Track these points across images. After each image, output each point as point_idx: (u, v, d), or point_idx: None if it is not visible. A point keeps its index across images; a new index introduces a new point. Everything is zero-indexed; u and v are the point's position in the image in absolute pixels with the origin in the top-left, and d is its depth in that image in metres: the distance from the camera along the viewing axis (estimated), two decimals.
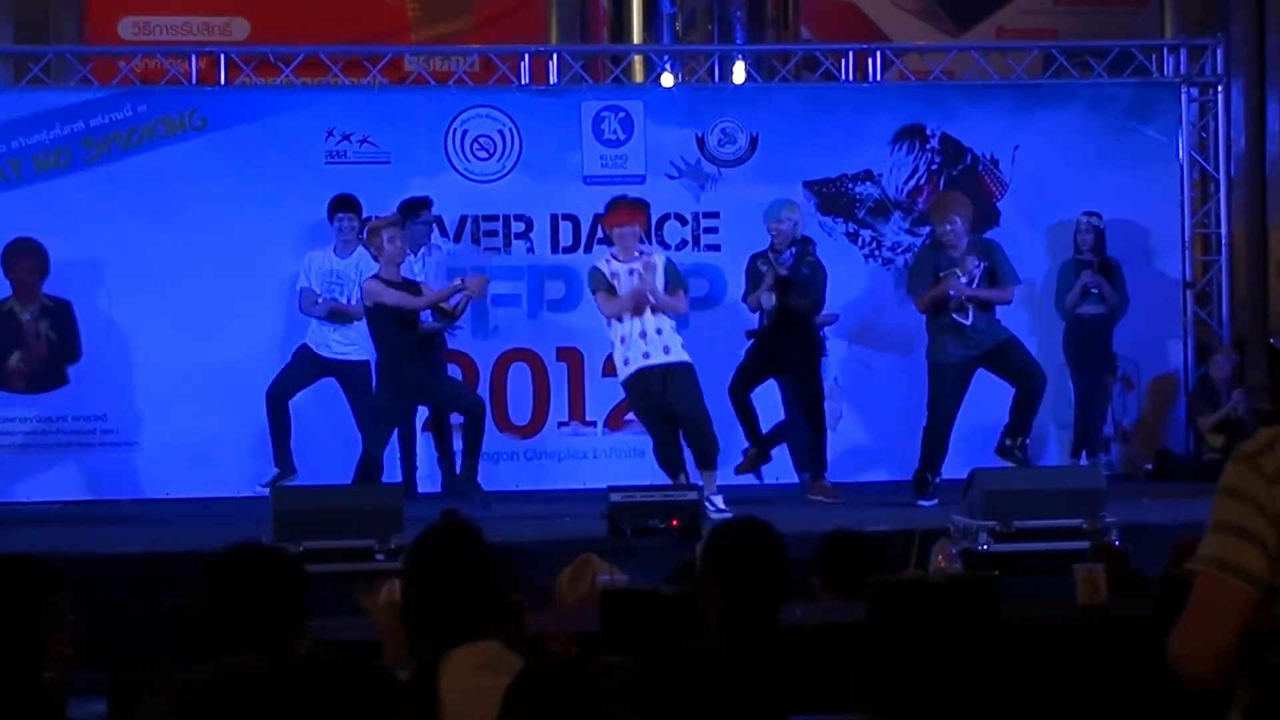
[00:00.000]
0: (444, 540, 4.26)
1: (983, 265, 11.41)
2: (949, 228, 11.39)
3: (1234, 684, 3.02)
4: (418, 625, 4.17)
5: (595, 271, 11.19)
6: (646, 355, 10.89)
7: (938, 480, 11.38)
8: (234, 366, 12.38)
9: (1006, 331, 11.49)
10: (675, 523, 9.67)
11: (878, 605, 5.95)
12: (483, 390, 12.20)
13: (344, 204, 11.96)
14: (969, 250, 11.40)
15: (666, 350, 10.91)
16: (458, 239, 12.70)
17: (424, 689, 3.96)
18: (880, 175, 13.10)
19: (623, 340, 10.98)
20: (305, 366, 11.91)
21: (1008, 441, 11.42)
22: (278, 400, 11.85)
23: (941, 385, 11.45)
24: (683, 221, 12.91)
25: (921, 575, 6.57)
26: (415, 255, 11.91)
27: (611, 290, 11.01)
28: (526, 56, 13.28)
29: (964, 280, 11.31)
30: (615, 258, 11.11)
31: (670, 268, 11.17)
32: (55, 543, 9.92)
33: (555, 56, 13.47)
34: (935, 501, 11.24)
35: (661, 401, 10.93)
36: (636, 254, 11.06)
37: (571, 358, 12.77)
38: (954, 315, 11.37)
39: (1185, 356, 13.41)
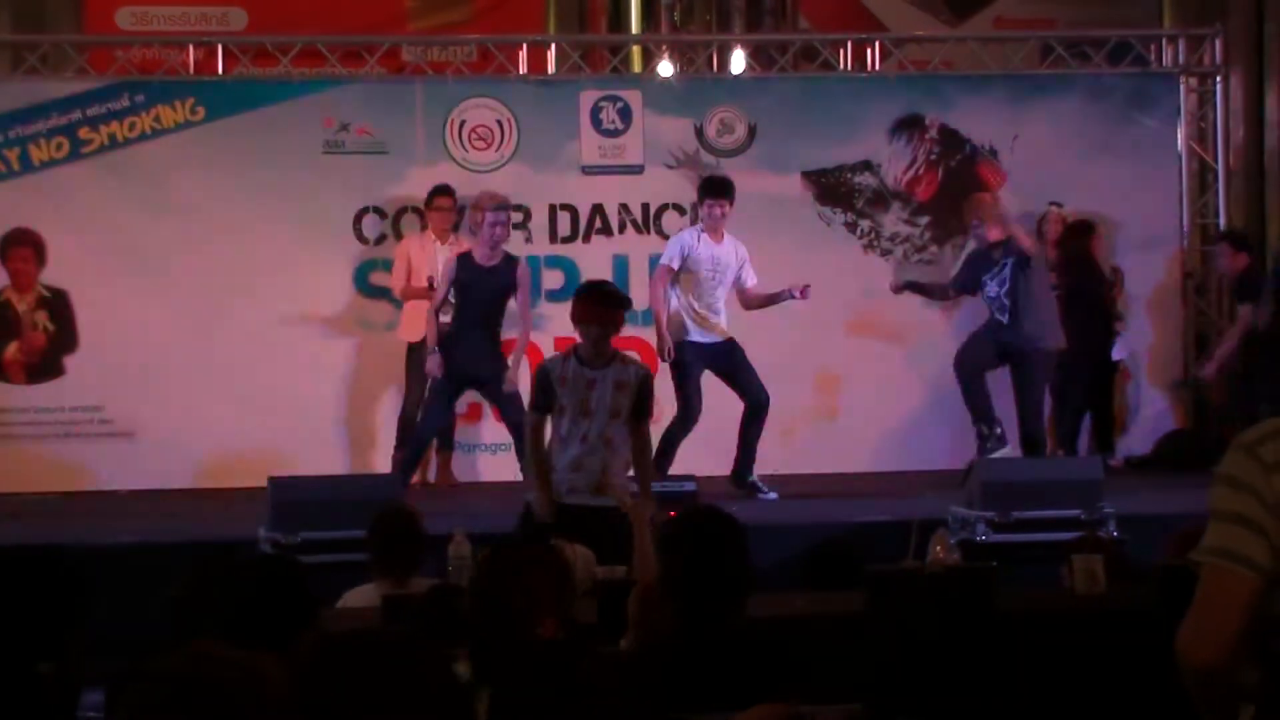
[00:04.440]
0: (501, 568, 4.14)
1: (1009, 263, 11.49)
2: (975, 232, 11.63)
3: (1240, 677, 3.02)
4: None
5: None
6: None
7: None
8: (232, 356, 12.39)
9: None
10: (672, 514, 9.65)
11: (875, 595, 5.94)
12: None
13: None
14: (1004, 252, 11.59)
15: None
16: (455, 229, 12.68)
17: None
18: (879, 165, 13.09)
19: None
20: None
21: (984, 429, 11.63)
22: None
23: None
24: (681, 211, 12.89)
25: (919, 565, 6.57)
26: (443, 244, 12.03)
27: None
28: (524, 46, 13.27)
29: (994, 283, 11.57)
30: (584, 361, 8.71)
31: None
32: (52, 534, 9.92)
33: (553, 46, 13.48)
34: (1007, 446, 11.55)
35: None
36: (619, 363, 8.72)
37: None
38: (996, 315, 11.63)
39: (1185, 346, 13.40)
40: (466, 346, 11.14)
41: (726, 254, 11.40)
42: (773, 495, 11.26)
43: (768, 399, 11.33)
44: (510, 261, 11.20)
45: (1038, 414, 11.74)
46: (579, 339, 8.68)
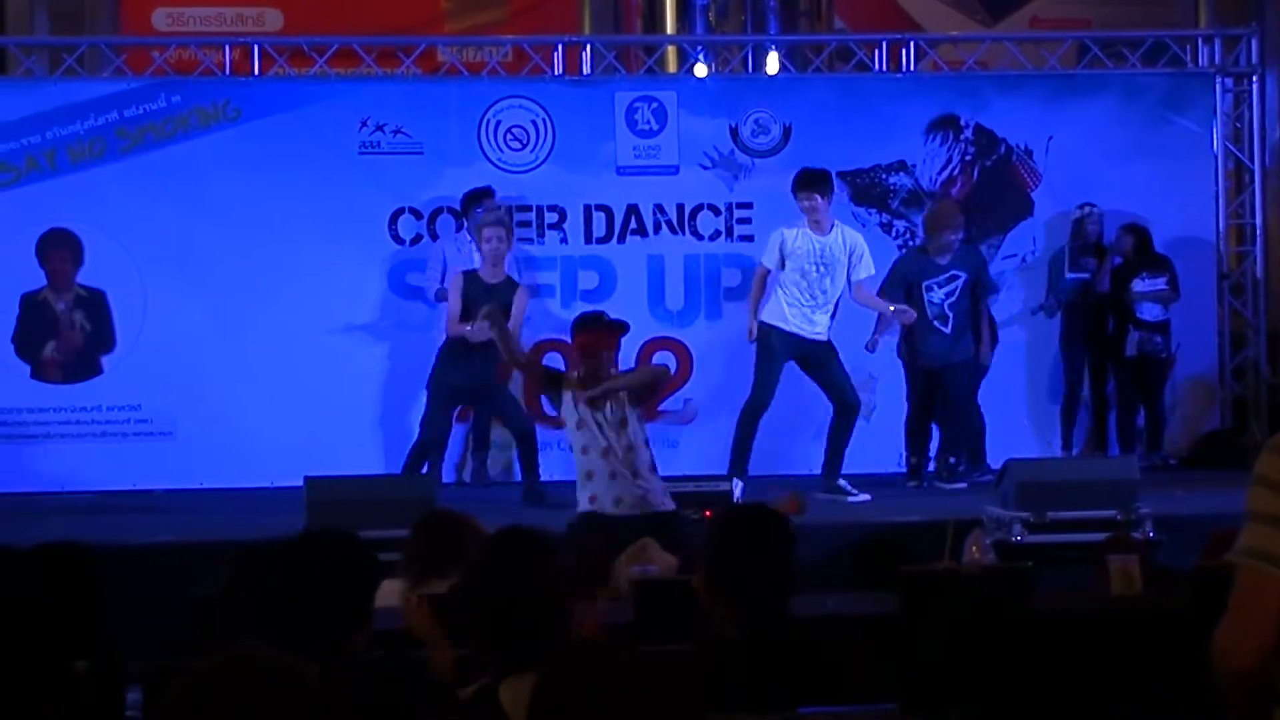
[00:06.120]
0: (512, 560, 4.15)
1: (963, 277, 11.64)
2: (949, 238, 11.70)
3: (1275, 679, 3.00)
4: (478, 645, 4.09)
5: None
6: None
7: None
8: (268, 356, 12.43)
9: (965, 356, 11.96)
10: (708, 513, 9.66)
11: (910, 596, 5.94)
12: (516, 380, 12.20)
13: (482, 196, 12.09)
14: (952, 262, 11.76)
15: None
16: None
17: (488, 710, 3.88)
18: (914, 166, 13.08)
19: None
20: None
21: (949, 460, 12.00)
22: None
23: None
24: (715, 212, 12.90)
25: (955, 566, 6.57)
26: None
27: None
28: (560, 47, 13.27)
29: (944, 293, 11.80)
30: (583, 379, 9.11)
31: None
32: (89, 532, 9.94)
33: (588, 47, 13.47)
34: (964, 485, 11.70)
35: None
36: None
37: None
38: (934, 322, 11.87)
39: (1222, 347, 13.36)
40: (467, 363, 11.25)
41: (834, 245, 11.28)
42: (864, 497, 11.25)
43: (857, 402, 11.38)
44: (511, 284, 11.28)
45: (962, 422, 11.99)
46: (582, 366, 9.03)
